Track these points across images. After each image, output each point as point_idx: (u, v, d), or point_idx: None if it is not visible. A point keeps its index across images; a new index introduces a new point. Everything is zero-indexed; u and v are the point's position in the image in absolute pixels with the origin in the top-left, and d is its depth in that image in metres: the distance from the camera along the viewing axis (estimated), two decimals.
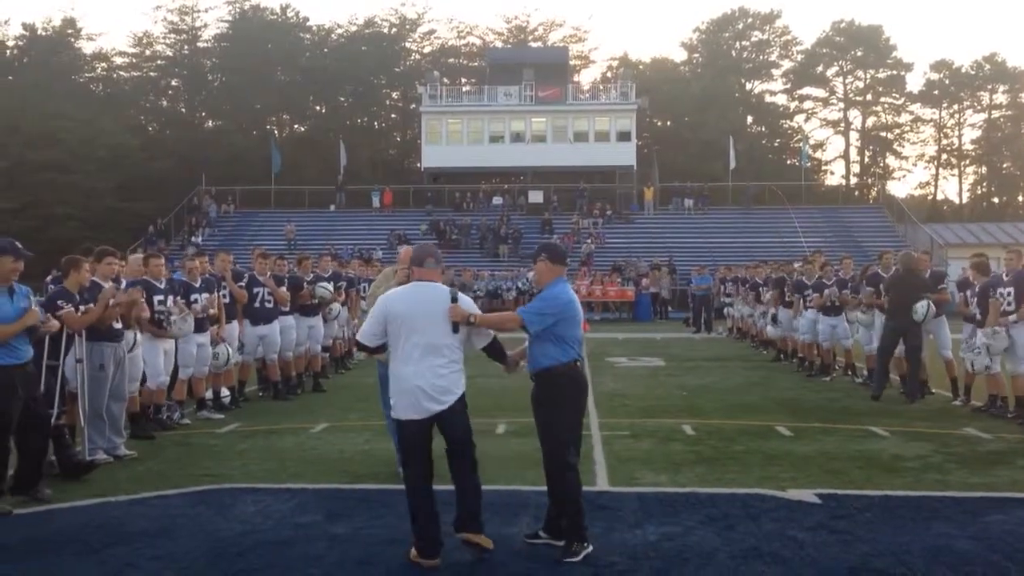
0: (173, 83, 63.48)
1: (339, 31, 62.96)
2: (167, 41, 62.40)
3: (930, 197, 64.55)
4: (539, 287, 5.63)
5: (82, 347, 7.70)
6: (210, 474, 7.46)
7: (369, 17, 64.41)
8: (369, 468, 7.60)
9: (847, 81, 63.51)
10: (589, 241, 38.63)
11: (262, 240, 35.63)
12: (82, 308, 7.67)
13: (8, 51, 58.38)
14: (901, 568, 5.02)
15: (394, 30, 62.85)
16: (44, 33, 58.53)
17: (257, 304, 11.44)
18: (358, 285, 15.18)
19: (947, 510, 6.23)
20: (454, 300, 5.19)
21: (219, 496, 6.75)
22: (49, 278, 12.94)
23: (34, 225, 42.20)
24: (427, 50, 64.24)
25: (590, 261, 35.77)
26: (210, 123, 62.95)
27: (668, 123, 62.70)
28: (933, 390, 11.74)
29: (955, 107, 62.77)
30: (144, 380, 9.20)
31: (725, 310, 22.39)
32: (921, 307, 11.07)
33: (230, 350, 10.51)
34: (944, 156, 64.32)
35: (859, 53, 61.59)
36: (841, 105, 64.09)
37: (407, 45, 64.05)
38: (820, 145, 64.94)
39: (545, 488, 5.50)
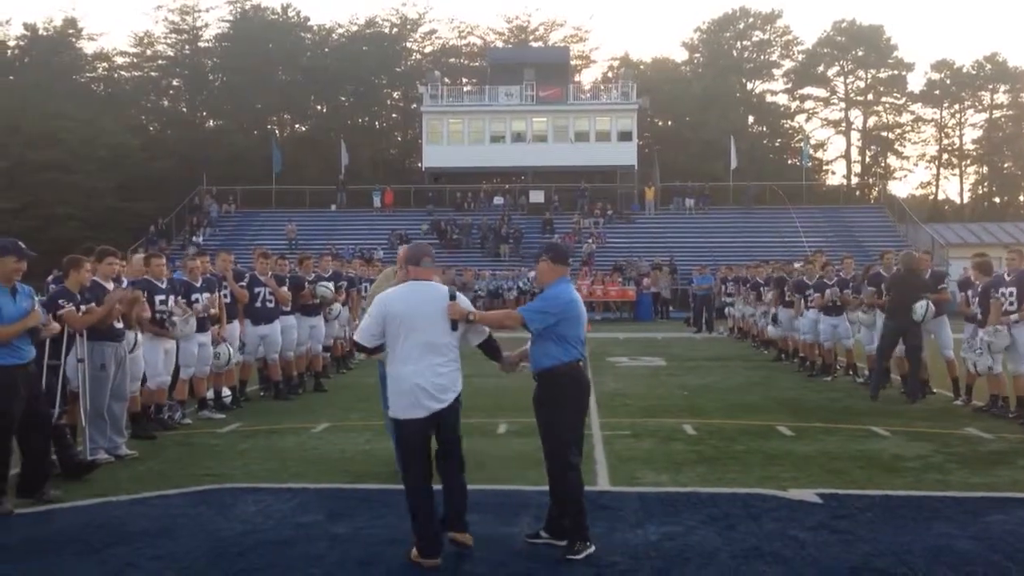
0: (174, 83, 63.53)
1: (340, 31, 63.04)
2: (168, 41, 62.48)
3: (931, 197, 64.60)
4: (541, 287, 5.62)
5: (83, 347, 7.71)
6: (211, 474, 7.46)
7: (370, 17, 64.55)
8: (370, 468, 7.60)
9: (848, 81, 63.52)
10: (590, 241, 38.64)
11: (263, 240, 35.64)
12: (83, 308, 7.67)
13: (9, 51, 58.41)
14: (902, 568, 5.01)
15: (395, 30, 62.86)
16: (45, 33, 58.57)
17: (258, 304, 11.44)
18: (359, 285, 15.18)
19: (948, 510, 6.23)
20: (452, 298, 5.20)
21: (220, 496, 6.75)
22: (50, 278, 12.93)
23: (35, 225, 42.22)
24: (428, 50, 64.31)
25: (591, 261, 35.76)
26: (211, 123, 63.00)
27: (669, 123, 62.71)
28: (934, 390, 11.73)
29: (956, 107, 62.80)
30: (144, 380, 9.20)
31: (726, 310, 22.37)
32: (920, 307, 11.07)
33: (231, 350, 10.51)
34: (945, 156, 64.36)
35: (860, 53, 61.59)
36: (842, 105, 64.12)
37: (408, 45, 64.08)
38: (821, 145, 65.07)
39: (546, 488, 5.49)
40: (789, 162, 60.13)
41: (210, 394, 10.58)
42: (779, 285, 15.87)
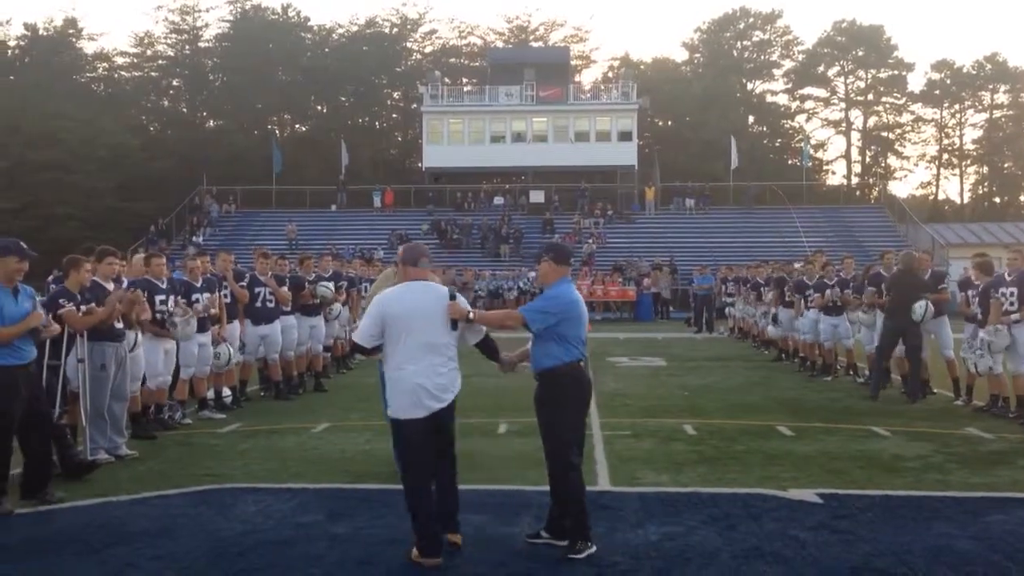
0: (174, 83, 63.55)
1: (340, 31, 63.05)
2: (168, 41, 62.52)
3: (931, 197, 64.59)
4: (543, 286, 5.62)
5: (83, 347, 7.71)
6: (211, 474, 7.46)
7: (370, 17, 64.51)
8: (370, 468, 7.60)
9: (848, 81, 63.52)
10: (590, 241, 38.64)
11: (263, 240, 35.64)
12: (83, 308, 7.67)
13: (9, 51, 58.43)
14: (902, 568, 5.01)
15: (395, 30, 62.87)
16: (45, 33, 58.59)
17: (258, 304, 11.44)
18: (359, 285, 15.19)
19: (948, 510, 6.23)
20: (452, 298, 5.21)
21: (220, 496, 6.75)
22: (50, 278, 12.94)
23: (35, 225, 42.22)
24: (428, 50, 64.31)
25: (591, 261, 35.76)
26: (211, 123, 63.01)
27: (669, 123, 62.71)
28: (935, 390, 11.73)
29: (956, 107, 62.80)
30: (144, 380, 9.20)
31: (726, 310, 22.38)
32: (919, 307, 11.07)
33: (231, 350, 10.51)
34: (945, 156, 64.36)
35: (860, 53, 61.58)
36: (842, 105, 64.11)
37: (408, 45, 64.09)
38: (821, 145, 65.07)
39: (547, 488, 5.49)
40: (789, 162, 60.14)
41: (210, 394, 10.58)
42: (779, 285, 15.87)
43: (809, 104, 64.95)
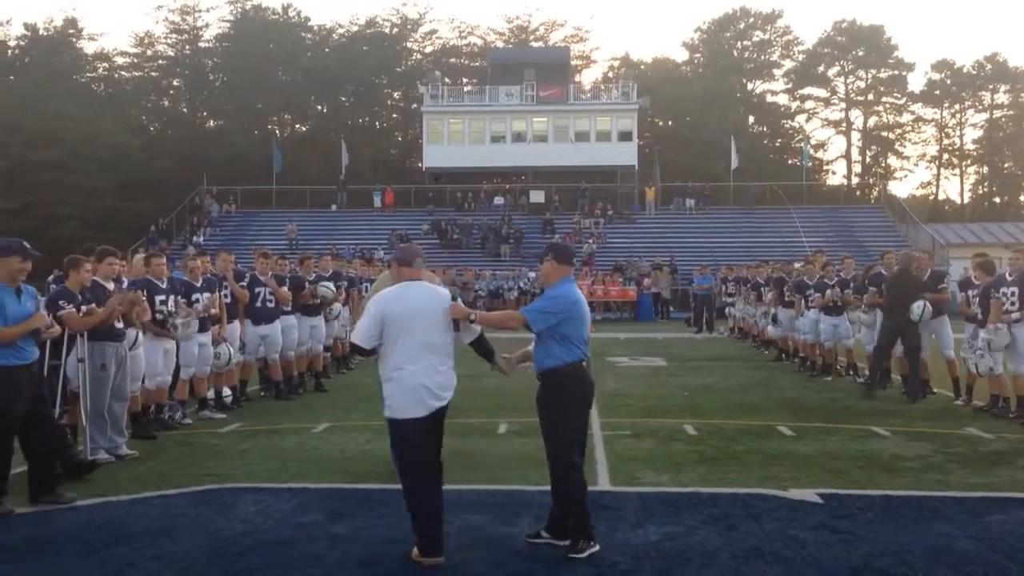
0: (174, 83, 63.54)
1: (340, 31, 63.05)
2: (168, 41, 62.53)
3: (931, 197, 64.59)
4: (545, 286, 5.62)
5: (84, 347, 7.71)
6: (212, 474, 7.46)
7: (370, 17, 64.51)
8: (370, 468, 7.59)
9: (848, 81, 63.51)
10: (591, 241, 38.63)
11: (263, 240, 35.64)
12: (83, 308, 7.67)
13: (10, 51, 58.43)
14: (902, 568, 5.01)
15: (395, 30, 62.87)
16: (45, 33, 58.59)
17: (259, 304, 11.44)
18: (359, 285, 15.19)
19: (948, 510, 6.23)
20: (454, 299, 5.23)
21: (220, 496, 6.75)
22: (50, 278, 12.93)
23: (35, 225, 42.19)
24: (428, 50, 64.31)
25: (592, 261, 35.77)
26: (211, 123, 63.02)
27: (669, 123, 62.71)
28: (935, 390, 11.73)
29: (956, 107, 62.80)
30: (143, 380, 9.20)
31: (727, 310, 22.38)
32: (917, 307, 11.08)
33: (231, 350, 10.51)
34: (945, 156, 64.36)
35: (860, 53, 61.58)
36: (842, 105, 64.11)
37: (408, 45, 64.10)
38: (821, 145, 65.07)
39: (547, 487, 5.49)
40: (789, 162, 60.12)
41: (210, 394, 10.58)
42: (779, 285, 15.88)
43: (809, 104, 65.03)
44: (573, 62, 56.80)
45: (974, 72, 61.02)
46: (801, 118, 65.26)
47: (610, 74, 61.16)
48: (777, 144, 64.30)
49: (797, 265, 17.26)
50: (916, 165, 75.30)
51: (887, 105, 63.71)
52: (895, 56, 61.79)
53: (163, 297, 9.31)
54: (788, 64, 64.04)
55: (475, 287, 31.42)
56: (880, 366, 11.91)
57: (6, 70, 56.77)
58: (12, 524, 6.08)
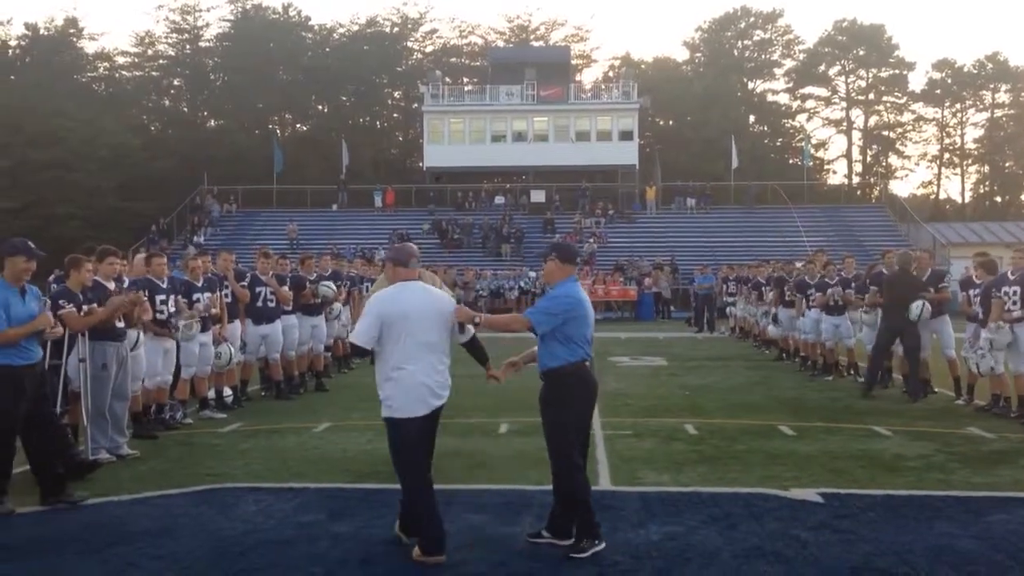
0: (175, 82, 63.53)
1: (341, 30, 63.04)
2: (169, 40, 62.52)
3: (932, 196, 64.60)
4: (548, 285, 5.61)
5: (85, 346, 7.71)
6: (212, 473, 7.46)
7: (371, 16, 64.50)
8: (371, 467, 7.59)
9: (849, 80, 63.50)
10: (591, 240, 38.62)
11: (264, 239, 35.61)
12: (84, 308, 7.67)
13: (10, 51, 58.42)
14: (904, 567, 5.01)
15: (396, 29, 62.86)
16: (46, 33, 58.56)
17: (259, 303, 11.44)
18: (360, 285, 15.19)
19: (950, 509, 6.22)
20: (459, 302, 5.24)
21: (221, 495, 6.75)
22: (51, 277, 12.93)
23: (36, 224, 42.17)
24: (429, 49, 64.29)
25: (592, 261, 35.78)
26: (212, 122, 63.00)
27: (670, 122, 62.71)
28: (936, 389, 11.72)
29: (957, 106, 62.81)
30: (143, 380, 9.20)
31: (727, 309, 22.38)
32: (916, 307, 11.07)
33: (232, 349, 10.51)
34: (946, 155, 64.35)
35: (861, 52, 61.57)
36: (843, 104, 64.09)
37: (409, 44, 64.09)
38: (822, 144, 65.04)
39: (548, 487, 5.49)
40: (790, 161, 60.10)
41: (211, 394, 10.58)
42: (780, 285, 15.87)
43: (810, 103, 65.03)
44: (574, 61, 56.82)
45: (975, 71, 60.99)
46: (802, 117, 65.37)
47: (611, 73, 61.14)
48: (778, 143, 64.27)
49: (798, 264, 17.24)
50: (917, 164, 75.10)
51: (888, 104, 63.71)
52: (896, 55, 61.78)
53: (164, 297, 9.30)
54: (789, 63, 64.06)
55: (476, 287, 31.42)
56: (879, 366, 11.90)
57: (7, 70, 56.75)
58: (13, 524, 6.09)
